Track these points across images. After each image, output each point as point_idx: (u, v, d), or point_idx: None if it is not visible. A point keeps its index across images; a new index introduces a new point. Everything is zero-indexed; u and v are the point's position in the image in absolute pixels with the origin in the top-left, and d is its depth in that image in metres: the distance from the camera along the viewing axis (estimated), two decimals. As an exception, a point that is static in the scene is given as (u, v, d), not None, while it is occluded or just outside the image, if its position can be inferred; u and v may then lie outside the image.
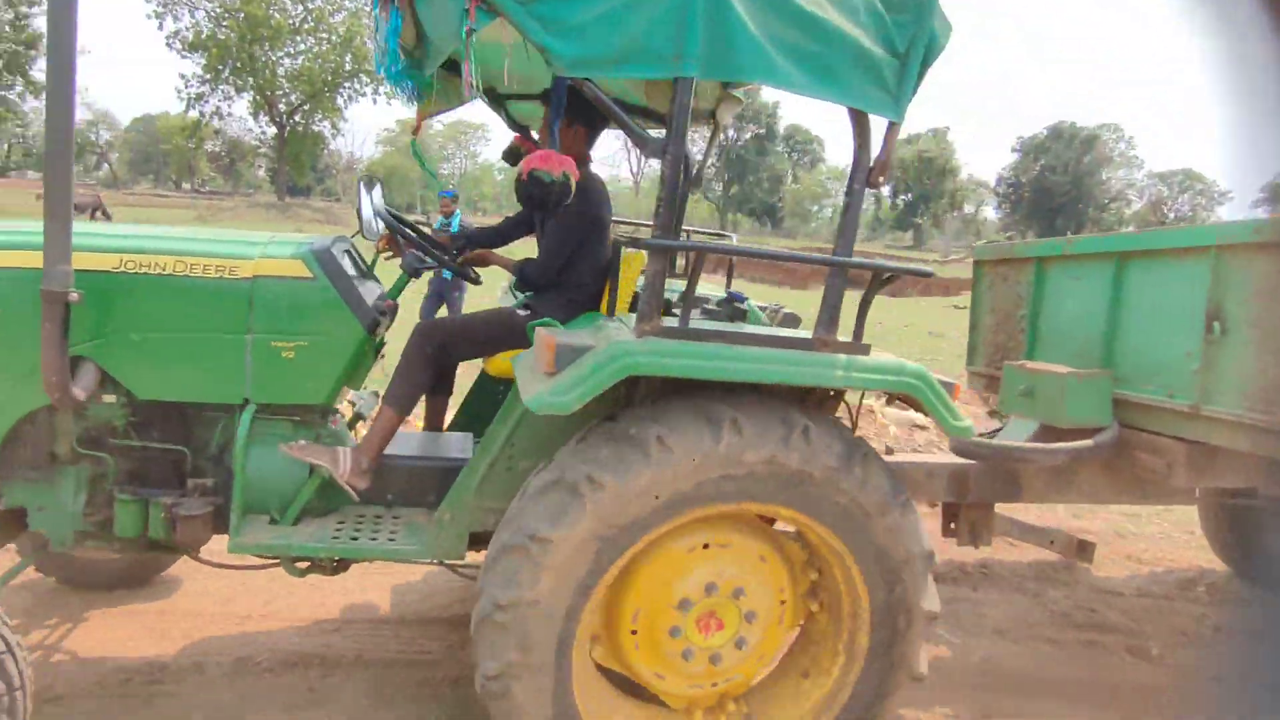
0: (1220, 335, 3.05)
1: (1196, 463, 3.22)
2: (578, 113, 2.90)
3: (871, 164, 2.31)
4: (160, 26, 37.82)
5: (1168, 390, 3.28)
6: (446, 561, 2.69)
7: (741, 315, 2.94)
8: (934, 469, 3.54)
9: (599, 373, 2.07)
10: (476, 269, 3.14)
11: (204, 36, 38.15)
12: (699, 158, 3.97)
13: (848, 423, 2.71)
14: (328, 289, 2.58)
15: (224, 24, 38.52)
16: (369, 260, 3.06)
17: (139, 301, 2.46)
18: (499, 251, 3.14)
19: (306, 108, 42.25)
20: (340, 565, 2.76)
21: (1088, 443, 3.34)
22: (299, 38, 40.33)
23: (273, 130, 43.12)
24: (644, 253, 3.19)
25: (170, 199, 47.71)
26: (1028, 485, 3.56)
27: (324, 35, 40.31)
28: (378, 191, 2.94)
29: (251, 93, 40.44)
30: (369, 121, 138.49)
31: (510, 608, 2.15)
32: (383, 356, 2.96)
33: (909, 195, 62.15)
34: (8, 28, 30.92)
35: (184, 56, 38.79)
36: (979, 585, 4.30)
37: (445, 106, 3.46)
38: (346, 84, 41.50)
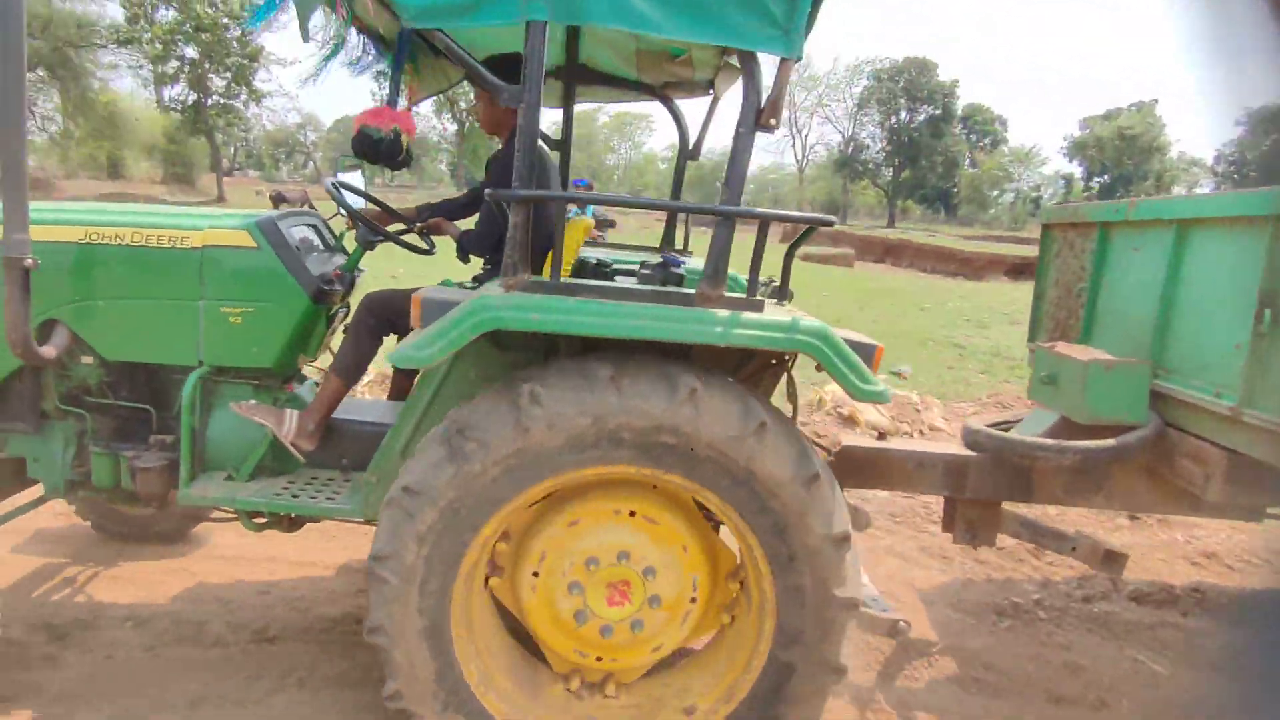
0: (1271, 326, 2.51)
1: (1237, 476, 2.67)
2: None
3: (762, 105, 2.11)
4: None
5: (1215, 388, 2.73)
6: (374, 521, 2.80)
7: (677, 280, 2.78)
8: (925, 459, 3.17)
9: (459, 326, 2.06)
10: (434, 238, 3.21)
11: (398, 43, 41.31)
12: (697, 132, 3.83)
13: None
14: (271, 258, 2.72)
15: (414, 30, 41.46)
16: (339, 234, 3.22)
17: (101, 270, 2.70)
18: (461, 223, 3.18)
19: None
20: (294, 523, 2.93)
21: (1109, 442, 2.87)
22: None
23: (453, 127, 45.98)
24: (589, 221, 3.14)
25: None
26: (1041, 485, 3.11)
27: (500, 35, 42.48)
28: (351, 173, 3.10)
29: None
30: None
31: (386, 560, 2.19)
32: (341, 328, 3.10)
33: (1105, 176, 56.11)
34: (235, 43, 35.10)
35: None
36: (1189, 610, 3.86)
37: (433, 90, 3.58)
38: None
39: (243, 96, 45.48)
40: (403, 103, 3.14)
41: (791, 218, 2.45)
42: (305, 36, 2.23)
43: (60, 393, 2.83)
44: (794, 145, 60.14)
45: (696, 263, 2.84)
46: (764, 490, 2.15)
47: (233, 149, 56.03)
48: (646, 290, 2.36)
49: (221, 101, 38.15)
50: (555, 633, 2.36)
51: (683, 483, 2.20)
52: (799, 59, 2.11)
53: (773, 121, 2.11)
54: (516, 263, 2.18)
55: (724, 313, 2.12)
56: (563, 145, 3.69)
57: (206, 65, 35.50)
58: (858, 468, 3.18)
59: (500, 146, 3.07)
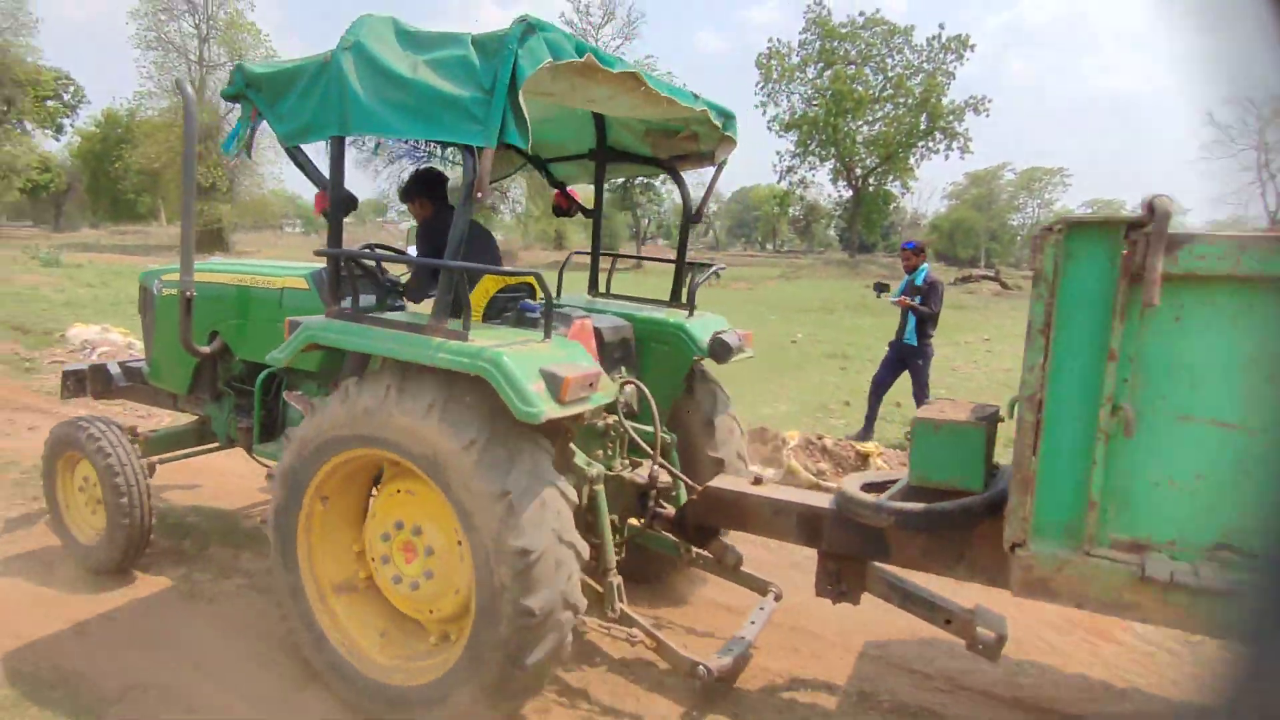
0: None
1: None
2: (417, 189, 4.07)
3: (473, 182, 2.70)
4: (763, 113, 44.69)
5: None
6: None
7: (531, 322, 3.33)
8: (782, 507, 3.14)
9: (293, 341, 3.10)
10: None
11: (797, 117, 43.89)
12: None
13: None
14: (313, 297, 3.93)
15: (814, 103, 43.67)
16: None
17: (237, 300, 4.25)
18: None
19: (880, 169, 44.97)
20: None
21: (918, 506, 2.65)
22: (877, 105, 43.47)
23: (848, 193, 47.20)
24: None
25: (757, 259, 56.66)
26: (897, 547, 2.88)
27: (901, 100, 42.66)
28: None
29: (833, 161, 44.89)
30: (936, 177, 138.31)
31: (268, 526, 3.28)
32: None
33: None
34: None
35: (780, 136, 45.19)
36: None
37: (502, 174, 4.66)
38: (920, 143, 43.19)
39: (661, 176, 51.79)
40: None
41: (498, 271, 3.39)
42: (249, 154, 3.47)
43: (223, 378, 4.45)
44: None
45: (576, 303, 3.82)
46: (474, 505, 2.66)
47: (647, 220, 64.51)
48: (400, 321, 3.01)
49: (645, 180, 44.35)
50: (394, 599, 3.18)
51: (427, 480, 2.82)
52: (493, 147, 2.63)
53: (479, 196, 2.69)
54: (334, 298, 3.20)
55: (436, 339, 2.76)
56: (595, 213, 4.57)
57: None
58: (724, 508, 3.32)
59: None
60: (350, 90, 2.81)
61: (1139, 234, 2.12)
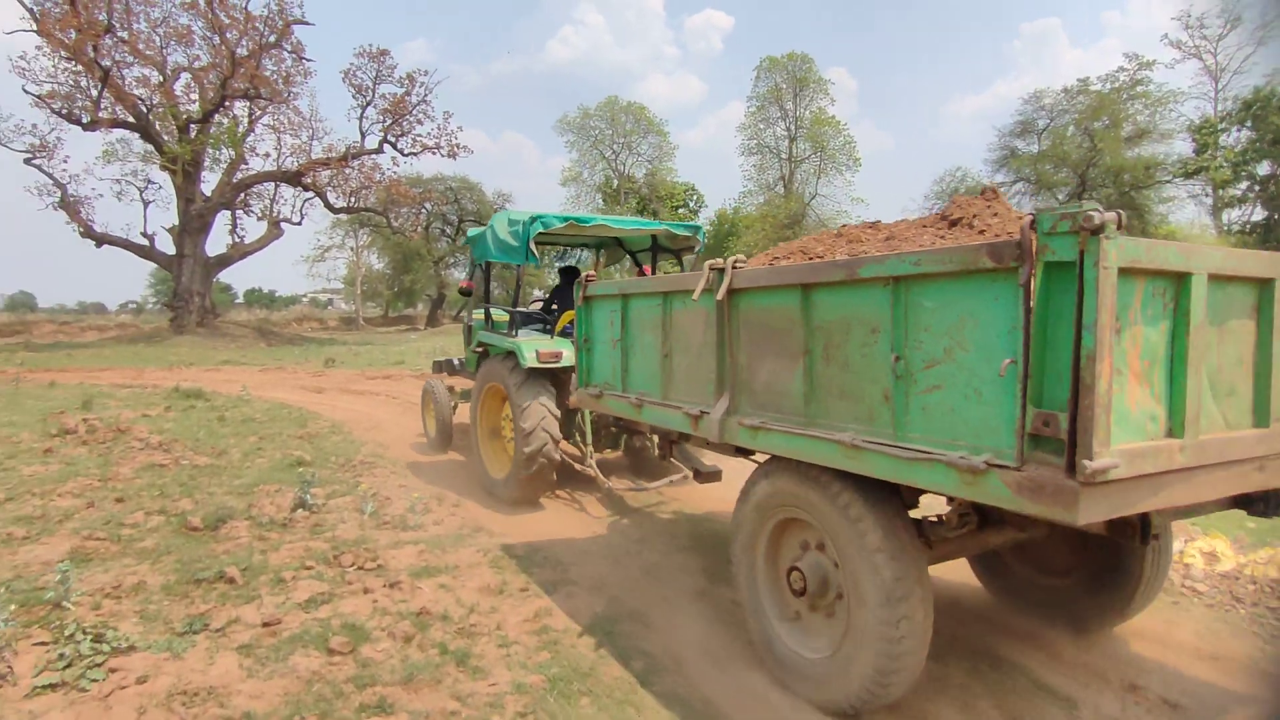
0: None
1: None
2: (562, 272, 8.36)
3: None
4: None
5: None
6: None
7: (566, 334, 7.01)
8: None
9: (470, 344, 8.29)
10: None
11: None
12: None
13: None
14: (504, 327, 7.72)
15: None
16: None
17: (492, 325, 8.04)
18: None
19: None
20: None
21: None
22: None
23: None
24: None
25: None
26: None
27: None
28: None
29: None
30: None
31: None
32: None
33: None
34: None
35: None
36: None
37: (614, 260, 8.79)
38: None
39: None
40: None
41: None
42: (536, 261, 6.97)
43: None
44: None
45: None
46: None
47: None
48: (506, 334, 7.20)
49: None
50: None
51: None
52: (522, 264, 6.87)
53: (520, 279, 8.16)
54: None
55: (506, 339, 7.02)
56: (654, 274, 7.95)
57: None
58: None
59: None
60: (486, 240, 7.03)
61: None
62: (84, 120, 28.56)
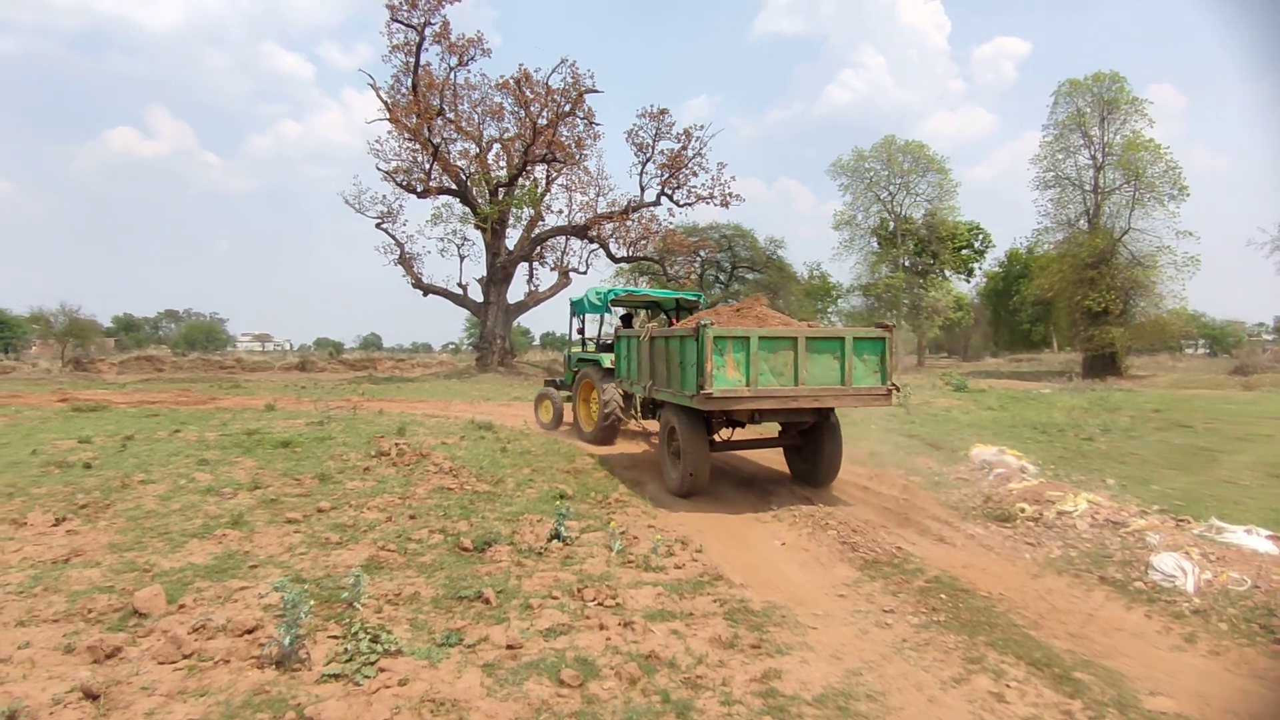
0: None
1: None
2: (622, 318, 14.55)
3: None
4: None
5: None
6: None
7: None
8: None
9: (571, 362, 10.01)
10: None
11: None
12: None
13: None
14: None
15: None
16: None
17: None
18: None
19: None
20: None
21: None
22: None
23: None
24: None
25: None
26: None
27: None
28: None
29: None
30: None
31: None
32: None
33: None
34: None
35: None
36: None
37: (654, 317, 14.81)
38: None
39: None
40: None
41: None
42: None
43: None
44: None
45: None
46: None
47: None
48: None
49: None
50: None
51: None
52: (600, 314, 14.04)
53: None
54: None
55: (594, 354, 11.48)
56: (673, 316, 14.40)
57: None
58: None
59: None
60: (584, 303, 13.82)
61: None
62: (418, 190, 34.12)
